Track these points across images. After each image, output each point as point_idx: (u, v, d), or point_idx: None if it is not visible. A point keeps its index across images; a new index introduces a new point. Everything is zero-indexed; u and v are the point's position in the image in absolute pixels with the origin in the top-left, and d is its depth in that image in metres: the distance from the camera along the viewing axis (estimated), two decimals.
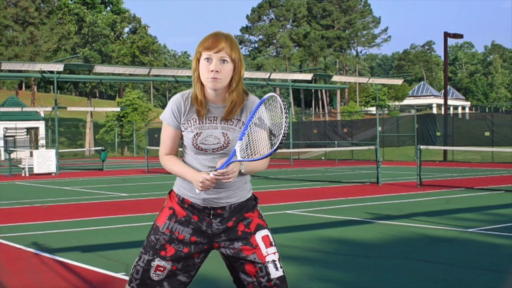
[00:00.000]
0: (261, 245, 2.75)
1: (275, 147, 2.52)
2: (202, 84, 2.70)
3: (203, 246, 2.79)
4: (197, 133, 2.71)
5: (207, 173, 2.61)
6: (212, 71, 2.62)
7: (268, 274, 2.72)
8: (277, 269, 2.74)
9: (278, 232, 7.97)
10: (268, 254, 2.74)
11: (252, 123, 2.61)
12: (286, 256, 6.32)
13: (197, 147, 2.72)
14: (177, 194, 2.83)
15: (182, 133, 2.77)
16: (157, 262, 2.75)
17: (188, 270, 2.80)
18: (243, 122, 2.72)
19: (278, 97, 2.53)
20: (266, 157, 2.57)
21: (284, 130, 2.48)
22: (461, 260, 6.17)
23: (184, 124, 2.75)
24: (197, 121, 2.72)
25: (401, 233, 7.89)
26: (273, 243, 2.79)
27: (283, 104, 2.50)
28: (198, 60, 2.68)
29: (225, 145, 2.70)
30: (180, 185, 2.81)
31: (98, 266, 5.95)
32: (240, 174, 2.70)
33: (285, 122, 2.48)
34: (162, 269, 2.75)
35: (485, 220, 9.10)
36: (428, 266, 5.85)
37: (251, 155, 2.59)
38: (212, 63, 2.63)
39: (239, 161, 2.57)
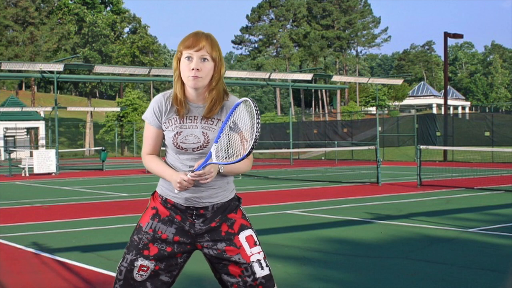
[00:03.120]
0: (245, 245, 2.76)
1: (246, 152, 2.54)
2: (182, 84, 2.74)
3: (186, 246, 2.80)
4: (177, 132, 2.74)
5: (184, 173, 2.63)
6: (193, 69, 2.65)
7: (253, 273, 2.73)
8: (262, 268, 2.75)
9: (278, 232, 7.97)
10: (253, 254, 2.75)
11: (227, 126, 2.63)
12: (286, 256, 6.32)
13: (177, 146, 2.74)
14: (160, 195, 2.84)
15: (164, 132, 2.80)
16: (140, 261, 2.76)
17: (170, 270, 2.81)
18: (223, 121, 2.74)
19: (251, 101, 2.56)
20: (238, 161, 2.59)
21: (255, 135, 2.51)
22: (461, 260, 6.17)
23: (165, 123, 2.77)
24: (178, 120, 2.75)
25: (401, 233, 7.89)
26: (258, 243, 2.80)
27: (256, 109, 2.53)
28: (179, 60, 2.72)
29: (205, 144, 2.72)
30: (163, 186, 2.83)
31: (98, 266, 5.95)
32: (221, 174, 2.73)
33: (257, 127, 2.51)
34: (145, 269, 2.76)
35: (485, 220, 9.10)
36: (428, 266, 5.84)
37: (226, 157, 2.61)
38: (193, 61, 2.66)
39: (214, 163, 2.60)
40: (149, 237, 2.77)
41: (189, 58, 2.67)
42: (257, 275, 2.73)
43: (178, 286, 4.96)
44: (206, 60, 2.67)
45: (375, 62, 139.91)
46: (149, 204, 2.88)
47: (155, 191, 2.89)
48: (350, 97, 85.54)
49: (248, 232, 2.80)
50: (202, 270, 5.32)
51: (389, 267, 5.84)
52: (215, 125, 2.74)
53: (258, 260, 2.75)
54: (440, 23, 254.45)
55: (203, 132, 2.73)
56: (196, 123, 2.74)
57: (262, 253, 2.78)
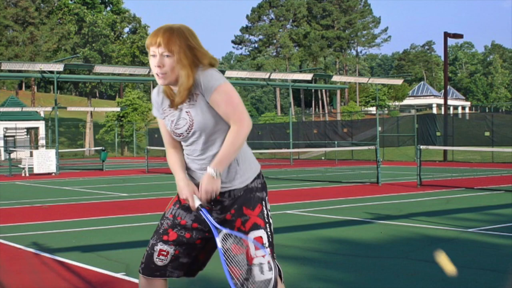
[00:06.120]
0: (251, 246, 2.75)
1: None
2: None
3: (204, 234, 2.83)
4: (172, 121, 2.79)
5: (192, 193, 2.68)
6: (156, 66, 2.64)
7: (252, 276, 2.73)
8: (262, 272, 2.72)
9: (278, 232, 7.93)
10: (256, 257, 2.73)
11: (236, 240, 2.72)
12: (286, 256, 6.32)
13: (174, 133, 2.79)
14: None
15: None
16: (159, 246, 2.80)
17: (189, 252, 2.86)
18: (200, 94, 2.68)
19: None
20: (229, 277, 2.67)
21: None
22: (461, 260, 6.16)
23: (163, 114, 2.84)
24: (169, 109, 2.79)
25: (401, 233, 7.89)
26: (266, 245, 2.78)
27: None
28: None
29: (191, 123, 2.72)
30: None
31: (98, 266, 5.94)
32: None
33: None
34: (165, 253, 2.80)
35: (485, 220, 9.10)
36: (428, 266, 5.84)
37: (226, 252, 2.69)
38: (156, 59, 2.64)
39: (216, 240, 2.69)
40: (169, 223, 2.83)
41: (154, 56, 2.65)
42: (256, 279, 2.72)
43: (179, 286, 4.96)
44: (167, 56, 2.62)
45: (375, 62, 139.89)
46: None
47: None
48: (350, 97, 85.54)
49: (259, 232, 2.78)
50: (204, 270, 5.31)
51: (389, 267, 5.84)
52: (195, 100, 2.69)
53: (260, 264, 2.72)
54: (440, 23, 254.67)
55: (187, 111, 2.72)
56: (182, 106, 2.74)
57: (267, 256, 2.73)
